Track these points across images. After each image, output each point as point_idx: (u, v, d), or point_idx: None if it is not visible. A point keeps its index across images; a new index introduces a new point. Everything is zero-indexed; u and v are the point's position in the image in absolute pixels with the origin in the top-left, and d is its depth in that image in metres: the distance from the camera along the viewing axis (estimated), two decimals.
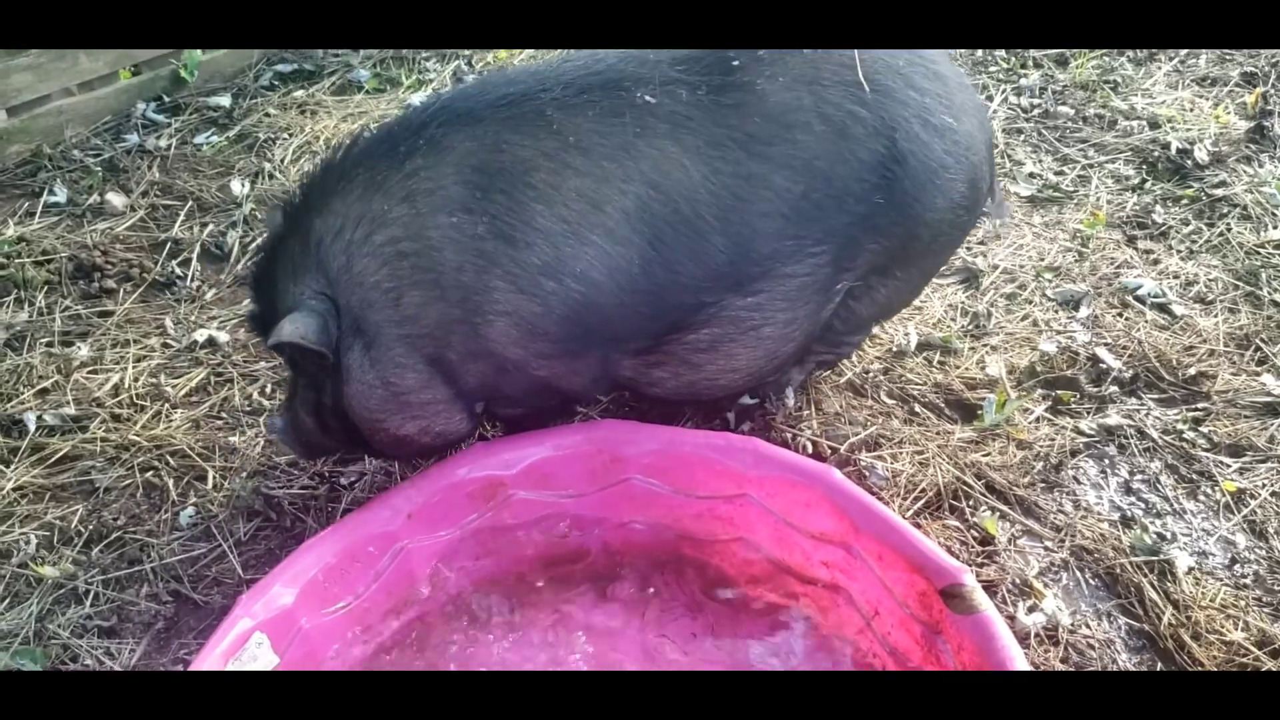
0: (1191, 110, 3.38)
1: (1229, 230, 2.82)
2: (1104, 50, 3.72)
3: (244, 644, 1.56)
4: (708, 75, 1.78)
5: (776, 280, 1.81)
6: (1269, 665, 1.75)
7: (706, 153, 1.74)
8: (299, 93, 3.61)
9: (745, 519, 1.86)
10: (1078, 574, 1.92)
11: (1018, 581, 1.88)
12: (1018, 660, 1.46)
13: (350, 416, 1.87)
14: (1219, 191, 2.96)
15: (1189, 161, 3.08)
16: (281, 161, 3.19)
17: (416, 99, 3.47)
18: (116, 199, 3.03)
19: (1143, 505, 2.06)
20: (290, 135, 3.32)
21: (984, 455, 2.13)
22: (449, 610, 1.84)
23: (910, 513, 2.00)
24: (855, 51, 1.81)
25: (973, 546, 1.94)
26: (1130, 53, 3.73)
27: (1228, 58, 3.67)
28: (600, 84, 1.78)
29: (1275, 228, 2.82)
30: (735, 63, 1.79)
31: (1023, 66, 3.68)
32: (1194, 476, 2.12)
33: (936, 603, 1.59)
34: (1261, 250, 2.75)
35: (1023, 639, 1.77)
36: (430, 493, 1.82)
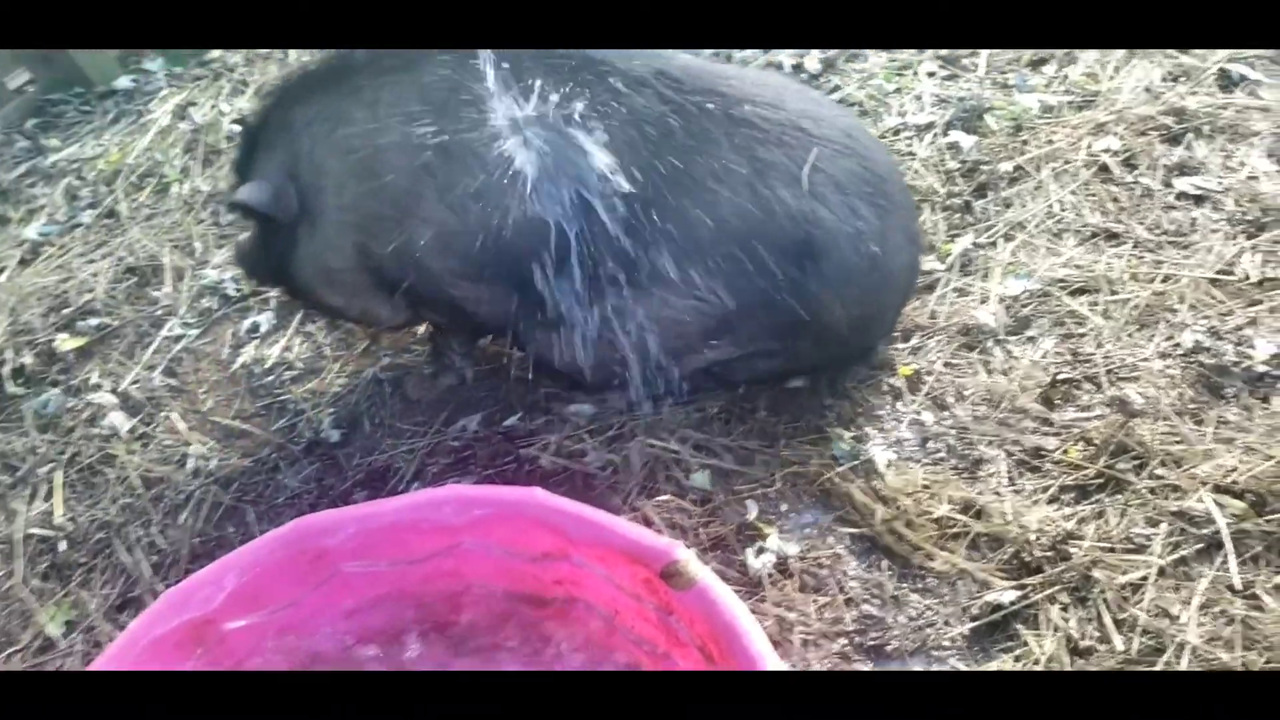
0: None
1: None
2: None
3: None
4: (684, 96, 1.97)
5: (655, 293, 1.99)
6: (978, 527, 1.88)
7: (647, 157, 1.92)
8: None
9: (470, 566, 1.82)
10: (794, 501, 2.00)
11: (742, 528, 1.94)
12: (742, 619, 1.49)
13: (292, 278, 2.21)
14: (836, 95, 3.14)
15: (803, 75, 3.25)
16: None
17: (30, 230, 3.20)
18: None
19: (835, 414, 2.15)
20: None
21: (684, 420, 2.17)
22: None
23: (631, 497, 2.02)
24: (815, 151, 1.96)
25: (693, 512, 1.98)
26: None
27: None
28: (576, 64, 1.97)
29: (890, 115, 3.02)
30: (709, 105, 1.97)
31: None
32: (873, 371, 2.24)
33: (661, 586, 1.60)
34: (884, 140, 2.93)
35: (756, 583, 1.83)
36: (127, 658, 1.67)
